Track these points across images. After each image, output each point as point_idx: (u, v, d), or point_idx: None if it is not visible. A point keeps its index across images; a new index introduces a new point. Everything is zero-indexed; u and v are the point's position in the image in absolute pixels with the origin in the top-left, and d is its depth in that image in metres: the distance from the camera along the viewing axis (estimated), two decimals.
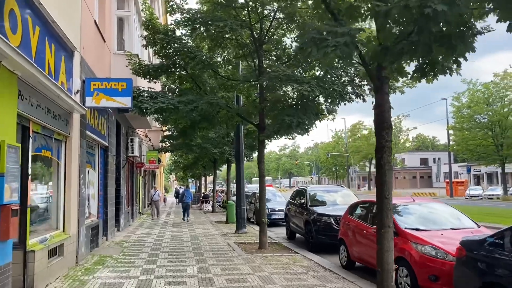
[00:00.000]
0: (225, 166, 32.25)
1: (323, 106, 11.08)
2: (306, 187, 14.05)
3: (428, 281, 6.49)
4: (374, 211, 8.78)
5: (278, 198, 21.28)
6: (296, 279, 7.97)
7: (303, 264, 9.59)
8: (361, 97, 10.37)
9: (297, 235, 14.48)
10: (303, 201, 13.37)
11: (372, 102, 5.40)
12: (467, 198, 44.31)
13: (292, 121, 9.73)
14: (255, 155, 29.64)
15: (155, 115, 12.23)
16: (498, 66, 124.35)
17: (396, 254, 7.16)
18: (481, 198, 44.67)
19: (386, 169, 5.02)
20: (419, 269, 6.58)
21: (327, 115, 11.46)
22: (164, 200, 47.35)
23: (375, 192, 5.17)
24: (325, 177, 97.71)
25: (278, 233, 16.10)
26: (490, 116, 40.66)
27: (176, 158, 39.85)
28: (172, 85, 14.30)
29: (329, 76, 10.82)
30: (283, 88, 11.49)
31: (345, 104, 10.42)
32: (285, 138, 14.56)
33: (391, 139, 5.04)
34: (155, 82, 13.12)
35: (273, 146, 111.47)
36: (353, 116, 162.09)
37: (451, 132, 46.53)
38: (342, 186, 15.24)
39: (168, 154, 47.94)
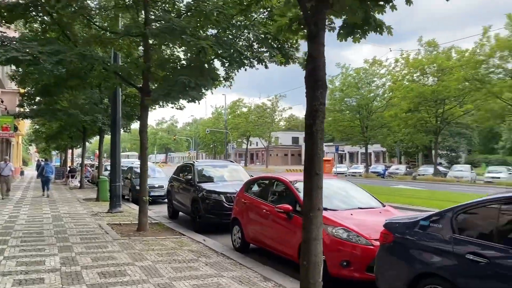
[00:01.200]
0: (96, 138, 29.04)
1: (221, 70, 9.81)
2: (194, 162, 12.75)
3: (339, 267, 5.82)
4: (275, 188, 7.95)
5: (157, 174, 19.59)
6: (186, 269, 6.73)
7: (191, 248, 8.38)
8: (263, 63, 9.34)
9: (181, 213, 13.20)
10: (189, 177, 12.06)
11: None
12: (334, 175, 47.64)
13: (190, 81, 8.29)
14: (134, 125, 27.24)
15: (9, 72, 9.63)
16: (361, 55, 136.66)
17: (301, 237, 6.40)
18: (346, 175, 48.46)
19: (319, 138, 4.02)
20: (330, 254, 5.86)
21: (224, 81, 10.22)
22: (21, 173, 41.67)
23: (302, 168, 4.16)
24: (203, 153, 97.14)
25: (158, 212, 14.59)
26: (358, 100, 43.82)
27: (37, 127, 34.91)
28: (32, 34, 11.50)
29: (225, 38, 9.55)
30: (173, 47, 9.92)
31: (245, 69, 9.33)
32: (173, 106, 13.03)
33: (325, 102, 4.06)
34: (8, 27, 10.36)
35: (150, 120, 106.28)
36: (234, 93, 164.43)
37: None
38: (231, 161, 14.27)
39: (28, 122, 41.95)
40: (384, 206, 7.18)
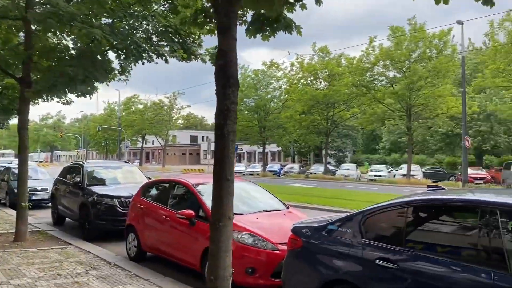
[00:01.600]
0: None
1: (116, 64, 8.95)
2: (83, 163, 11.59)
3: (244, 275, 5.58)
4: (175, 192, 7.46)
5: (40, 175, 17.60)
6: (73, 285, 5.94)
7: (80, 259, 7.51)
8: (163, 57, 8.73)
9: (67, 220, 11.93)
10: (78, 179, 10.91)
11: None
12: (237, 176, 47.93)
13: (77, 73, 7.38)
14: (12, 122, 24.18)
15: None
16: (260, 57, 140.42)
17: (206, 244, 6.04)
18: (244, 174, 49.13)
19: (230, 140, 3.68)
20: (235, 262, 5.55)
21: (119, 75, 9.37)
22: None
23: (212, 171, 3.79)
24: (93, 152, 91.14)
25: (41, 218, 13.05)
26: (257, 101, 44.72)
27: None
28: None
29: (121, 28, 8.76)
30: (60, 35, 8.84)
31: (143, 63, 8.63)
32: (60, 101, 11.66)
33: (237, 101, 3.74)
34: None
35: (33, 115, 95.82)
36: (128, 89, 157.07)
37: None
38: (126, 162, 13.32)
39: None
40: (288, 208, 7.13)
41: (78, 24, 7.38)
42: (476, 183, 29.92)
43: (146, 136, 72.12)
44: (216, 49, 3.87)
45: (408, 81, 30.27)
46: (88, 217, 9.91)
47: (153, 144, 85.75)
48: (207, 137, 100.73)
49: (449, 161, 46.21)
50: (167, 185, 7.74)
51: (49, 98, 10.93)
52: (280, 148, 64.72)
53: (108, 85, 9.21)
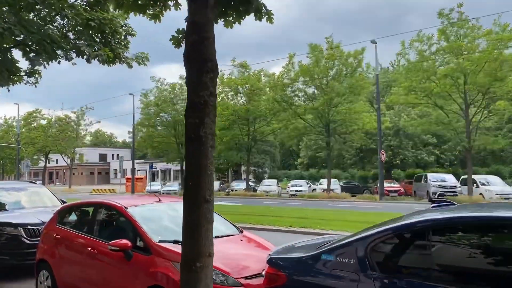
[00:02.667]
0: None
1: (24, 63, 7.33)
2: None
3: None
4: (102, 217, 6.08)
5: None
6: None
7: None
8: (84, 56, 7.30)
9: None
10: None
11: None
12: (147, 194, 45.45)
13: None
14: None
15: None
16: (171, 74, 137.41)
17: (148, 283, 4.86)
18: (160, 194, 46.82)
19: (209, 146, 2.65)
20: None
21: (26, 76, 7.71)
22: None
23: (182, 190, 2.72)
24: None
25: None
26: (174, 115, 42.99)
27: None
28: None
29: (30, 20, 7.22)
30: None
31: (59, 62, 7.18)
32: None
33: (216, 93, 2.74)
34: None
35: None
36: (28, 104, 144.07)
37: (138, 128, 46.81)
38: (33, 182, 11.28)
39: None
40: (241, 231, 6.10)
41: None
42: (391, 196, 31.29)
43: (50, 155, 66.03)
44: (186, 22, 2.84)
45: (327, 97, 31.03)
46: None
47: (57, 163, 78.78)
48: (117, 155, 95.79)
49: (361, 175, 48.35)
50: (90, 209, 6.27)
51: None
52: None
53: (9, 90, 7.51)
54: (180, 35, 3.39)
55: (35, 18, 7.08)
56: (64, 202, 9.95)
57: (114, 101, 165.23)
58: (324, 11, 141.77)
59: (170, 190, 46.91)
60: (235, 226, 6.23)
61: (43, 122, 63.87)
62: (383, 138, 39.92)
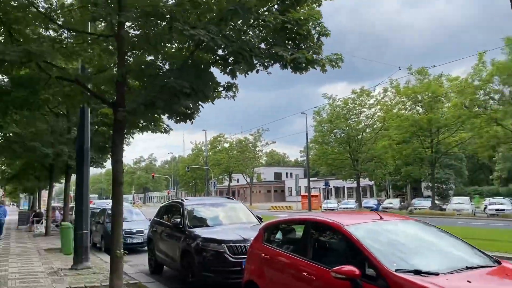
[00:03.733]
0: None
1: (220, 79, 7.27)
2: (183, 200, 9.98)
3: None
4: (317, 237, 5.29)
5: (135, 216, 16.61)
6: None
7: None
8: (281, 61, 6.81)
9: (166, 267, 10.29)
10: (178, 220, 9.25)
11: None
12: (324, 211, 44.95)
13: (183, 86, 5.79)
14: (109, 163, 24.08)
15: None
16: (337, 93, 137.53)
17: None
18: (338, 210, 45.90)
19: None
20: None
21: (224, 91, 7.67)
22: None
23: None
24: (182, 192, 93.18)
25: (136, 265, 11.65)
26: (347, 131, 41.91)
27: (3, 167, 31.48)
28: None
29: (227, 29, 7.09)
30: (160, 46, 7.41)
31: (257, 71, 6.89)
32: (157, 129, 10.30)
33: None
34: None
35: (127, 158, 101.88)
36: (212, 131, 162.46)
37: (313, 146, 47.14)
38: (230, 198, 11.53)
39: None
40: (498, 262, 4.54)
41: (179, 25, 5.81)
42: None
43: (232, 174, 71.94)
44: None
45: None
46: (191, 266, 8.10)
47: (237, 182, 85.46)
48: (291, 173, 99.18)
49: None
50: (301, 227, 5.56)
51: (144, 127, 9.60)
52: (371, 182, 60.14)
53: (213, 103, 7.50)
54: None
55: (232, 26, 6.94)
56: (260, 219, 9.75)
57: (283, 122, 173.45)
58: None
59: (347, 208, 45.67)
60: (486, 254, 4.72)
61: (226, 145, 70.23)
62: None
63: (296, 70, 7.37)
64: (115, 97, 7.75)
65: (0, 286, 8.69)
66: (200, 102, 7.03)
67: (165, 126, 10.15)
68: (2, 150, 16.41)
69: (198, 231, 8.50)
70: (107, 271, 9.51)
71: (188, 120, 7.92)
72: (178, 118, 7.76)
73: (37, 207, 35.51)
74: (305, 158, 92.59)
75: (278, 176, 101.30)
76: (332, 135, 43.00)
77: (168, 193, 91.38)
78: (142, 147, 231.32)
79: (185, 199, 10.22)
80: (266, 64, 6.95)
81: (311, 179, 52.62)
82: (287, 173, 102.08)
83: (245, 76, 7.04)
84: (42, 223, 25.47)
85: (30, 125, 12.90)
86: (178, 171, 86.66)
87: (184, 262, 8.45)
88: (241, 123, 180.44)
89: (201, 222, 9.27)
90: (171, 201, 11.73)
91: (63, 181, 33.24)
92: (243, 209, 10.16)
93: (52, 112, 14.91)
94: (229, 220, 9.47)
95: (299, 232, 5.69)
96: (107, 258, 12.43)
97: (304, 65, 7.12)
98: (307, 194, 50.85)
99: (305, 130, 46.55)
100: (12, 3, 7.22)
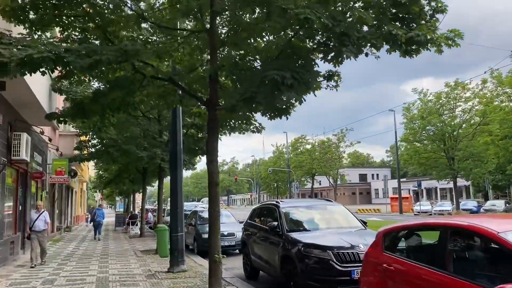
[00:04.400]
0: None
1: (320, 63, 6.52)
2: (279, 202, 9.40)
3: None
4: (458, 246, 4.34)
5: (225, 218, 16.39)
6: None
7: None
8: (392, 41, 5.92)
9: (262, 272, 9.78)
10: (275, 223, 8.66)
11: None
12: (417, 214, 41.99)
13: (285, 77, 5.20)
14: (198, 165, 24.45)
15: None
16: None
17: None
18: (430, 214, 42.61)
19: None
20: None
21: (326, 81, 6.93)
22: (87, 220, 40.28)
23: None
24: (265, 194, 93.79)
25: (230, 268, 11.37)
26: (440, 128, 38.81)
27: (101, 172, 33.78)
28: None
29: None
30: (253, 38, 6.92)
31: (366, 54, 6.10)
32: (250, 128, 9.84)
33: None
34: (36, 33, 7.83)
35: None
36: (292, 132, 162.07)
37: (402, 144, 44.49)
38: (328, 200, 10.74)
39: (91, 167, 41.13)
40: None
41: (283, 3, 5.20)
42: None
43: (315, 176, 70.66)
44: None
45: None
46: (293, 274, 7.46)
47: (320, 184, 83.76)
48: (377, 174, 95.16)
49: None
50: (438, 232, 4.59)
51: (234, 127, 9.16)
52: (467, 183, 55.25)
53: (315, 96, 6.78)
54: None
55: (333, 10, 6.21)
56: (365, 223, 8.87)
57: (365, 122, 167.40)
58: None
59: (443, 210, 42.29)
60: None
61: (308, 146, 69.11)
62: None
63: (407, 53, 6.45)
64: (208, 96, 7.42)
65: None
66: (309, 83, 6.32)
67: (257, 124, 9.65)
68: (101, 155, 17.23)
69: (297, 235, 7.86)
70: (203, 275, 9.31)
71: (283, 116, 7.37)
72: (273, 114, 7.22)
73: (131, 210, 37.47)
74: (391, 158, 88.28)
75: (363, 177, 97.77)
76: (424, 132, 40.07)
77: (251, 196, 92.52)
78: (223, 152, 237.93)
79: (281, 201, 9.61)
80: (378, 45, 6.08)
81: (402, 180, 49.76)
82: (372, 174, 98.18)
83: (356, 58, 6.25)
84: (136, 224, 26.63)
85: (124, 128, 13.23)
86: (260, 173, 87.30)
87: (284, 269, 7.84)
88: (321, 124, 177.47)
89: (299, 226, 8.60)
90: (265, 202, 11.26)
91: (154, 184, 34.81)
92: (345, 212, 9.30)
93: (144, 116, 15.29)
94: (331, 224, 8.69)
95: (427, 239, 4.77)
96: (201, 260, 12.33)
97: (423, 45, 6.19)
98: (396, 196, 48.11)
99: (394, 128, 44.18)
100: (106, 3, 7.17)
